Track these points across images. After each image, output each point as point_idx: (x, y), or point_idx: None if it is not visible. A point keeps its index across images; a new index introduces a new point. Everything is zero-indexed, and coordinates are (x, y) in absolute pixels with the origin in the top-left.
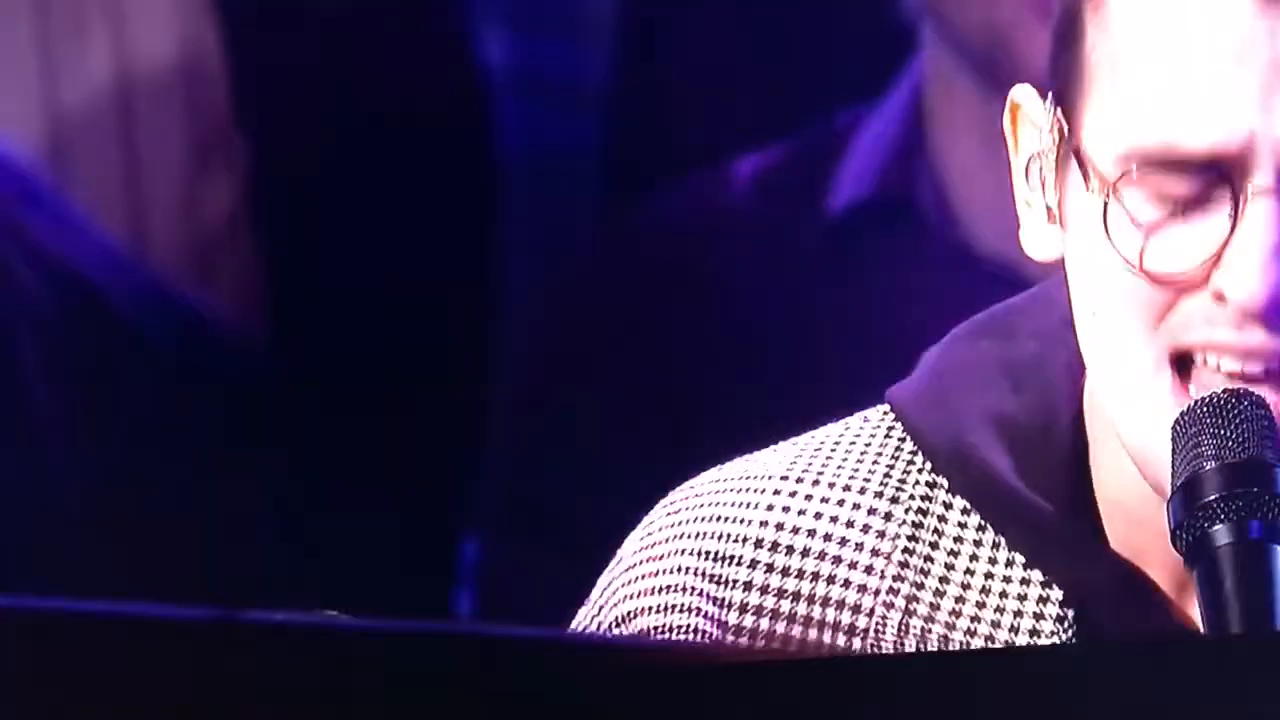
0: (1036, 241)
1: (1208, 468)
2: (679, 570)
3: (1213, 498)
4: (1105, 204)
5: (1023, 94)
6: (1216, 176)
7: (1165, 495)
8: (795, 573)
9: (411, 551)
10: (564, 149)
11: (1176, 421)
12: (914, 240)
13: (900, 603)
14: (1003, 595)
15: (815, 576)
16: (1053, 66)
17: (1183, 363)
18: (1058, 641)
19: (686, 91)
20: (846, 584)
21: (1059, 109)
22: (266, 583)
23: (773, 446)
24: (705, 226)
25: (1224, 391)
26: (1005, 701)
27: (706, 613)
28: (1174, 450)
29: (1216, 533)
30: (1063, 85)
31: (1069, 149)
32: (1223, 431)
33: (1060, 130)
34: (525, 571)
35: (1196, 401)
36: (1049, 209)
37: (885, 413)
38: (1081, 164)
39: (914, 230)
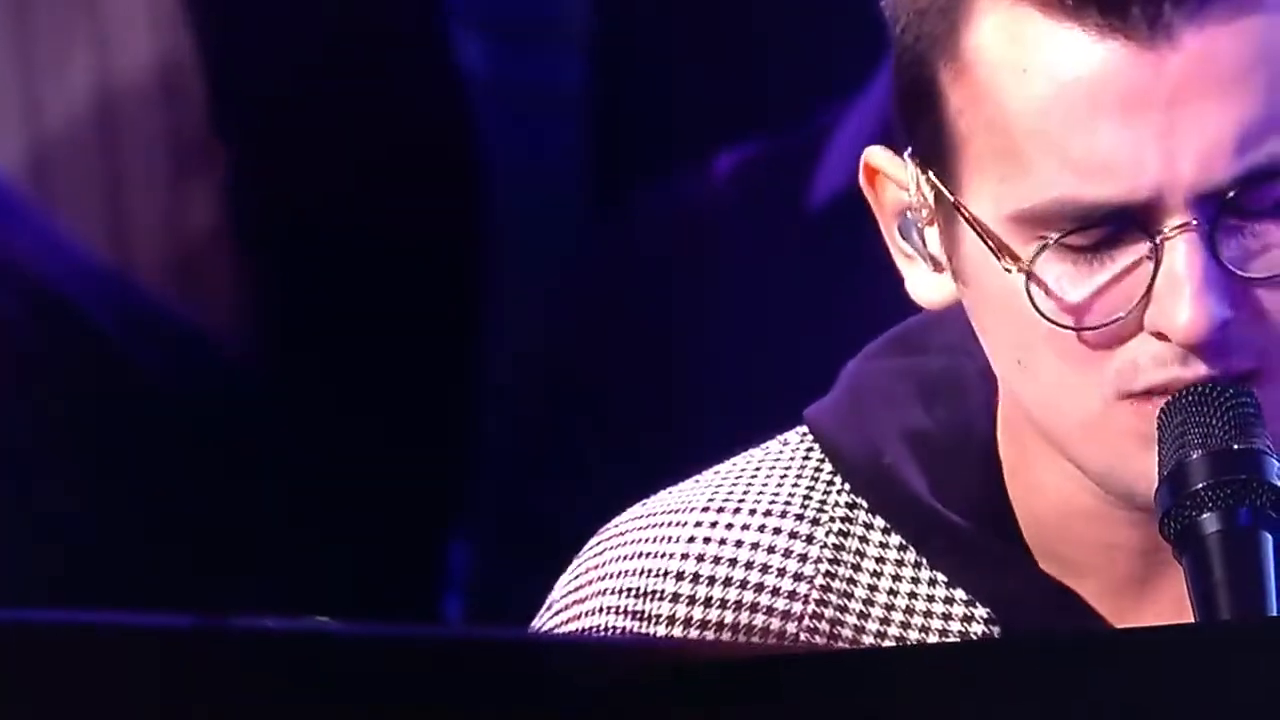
0: (926, 290)
1: (1194, 456)
2: (602, 610)
3: (1200, 486)
4: (1025, 279)
5: (878, 156)
6: (1127, 222)
7: (1133, 501)
8: (719, 603)
9: (400, 557)
10: (545, 152)
11: (1162, 411)
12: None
13: (825, 627)
14: (927, 615)
15: (738, 605)
16: (909, 130)
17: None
18: None
19: (666, 91)
20: (770, 610)
21: (930, 171)
22: (256, 592)
23: (695, 477)
24: (688, 224)
25: (1207, 381)
26: (970, 696)
27: None
28: (1160, 440)
29: (1205, 521)
30: (928, 150)
31: (949, 210)
32: (1209, 420)
33: (934, 191)
34: (514, 576)
35: (1181, 391)
36: (933, 260)
37: (804, 434)
38: (976, 229)
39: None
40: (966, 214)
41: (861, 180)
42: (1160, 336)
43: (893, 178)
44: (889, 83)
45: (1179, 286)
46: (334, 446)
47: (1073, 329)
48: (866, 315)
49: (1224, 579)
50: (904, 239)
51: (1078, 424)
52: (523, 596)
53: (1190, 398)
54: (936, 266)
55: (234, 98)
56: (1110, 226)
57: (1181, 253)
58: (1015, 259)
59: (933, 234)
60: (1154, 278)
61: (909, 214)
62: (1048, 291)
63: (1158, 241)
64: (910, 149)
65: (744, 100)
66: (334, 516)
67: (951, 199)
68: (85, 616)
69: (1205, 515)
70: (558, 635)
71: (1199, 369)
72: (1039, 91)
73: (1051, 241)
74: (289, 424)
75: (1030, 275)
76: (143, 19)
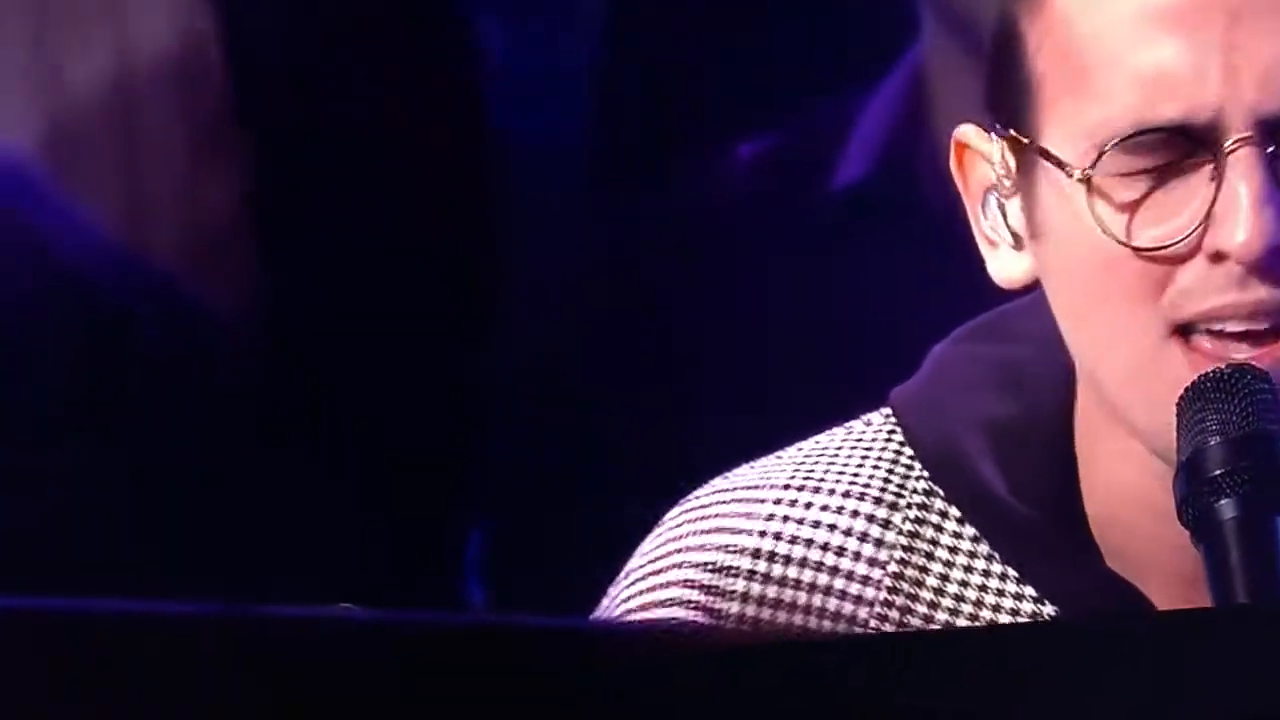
0: (1007, 270)
1: (1212, 443)
2: (678, 584)
3: (1218, 472)
4: (1087, 187)
5: (967, 132)
6: (1191, 142)
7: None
8: (793, 583)
9: (418, 543)
10: (559, 137)
11: (1180, 399)
12: (916, 223)
13: (894, 615)
14: (995, 609)
15: (812, 587)
16: (996, 91)
17: (1186, 334)
18: None
19: (681, 77)
20: (843, 595)
21: (1011, 129)
22: (273, 579)
23: (777, 453)
24: (705, 211)
25: (1226, 367)
26: (1005, 679)
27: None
28: (1178, 427)
29: (1222, 507)
30: (1013, 103)
31: (1032, 159)
32: (1226, 406)
33: (1016, 148)
34: (532, 561)
35: (1200, 377)
36: (1015, 235)
37: (887, 415)
38: (1053, 161)
39: (916, 213)
40: (1036, 147)
41: (951, 162)
42: (1218, 259)
43: (980, 151)
44: (910, 69)
45: (1238, 205)
46: (347, 429)
47: (1131, 247)
48: (886, 302)
49: (1240, 564)
50: (989, 223)
51: (1129, 370)
52: (541, 580)
53: (1209, 384)
54: (1017, 244)
55: (250, 81)
56: (1173, 148)
57: (1241, 172)
58: (1081, 169)
59: (1014, 208)
60: (1214, 198)
61: (994, 193)
62: (1109, 204)
63: (1219, 160)
64: (995, 122)
65: (762, 86)
66: (349, 500)
67: (1026, 141)
68: (109, 604)
69: (1222, 501)
70: (578, 621)
71: (1257, 292)
72: (1105, 12)
73: (1109, 148)
74: (305, 409)
75: (1090, 184)
76: (162, 1)
